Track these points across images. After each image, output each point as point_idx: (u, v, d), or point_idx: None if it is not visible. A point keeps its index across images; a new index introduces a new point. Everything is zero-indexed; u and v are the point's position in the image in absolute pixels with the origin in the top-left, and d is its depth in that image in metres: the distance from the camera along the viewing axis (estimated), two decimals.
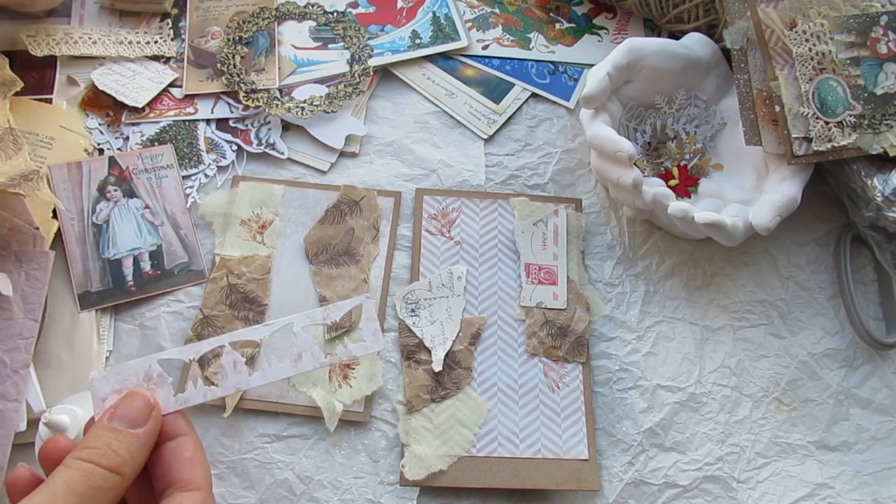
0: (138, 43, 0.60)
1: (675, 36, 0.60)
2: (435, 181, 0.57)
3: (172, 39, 0.61)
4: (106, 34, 0.60)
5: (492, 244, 0.55)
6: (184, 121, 0.58)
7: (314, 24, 0.63)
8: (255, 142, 0.57)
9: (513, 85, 0.62)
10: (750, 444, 0.51)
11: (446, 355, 0.50)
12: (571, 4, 0.67)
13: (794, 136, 0.50)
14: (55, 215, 0.52)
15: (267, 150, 0.57)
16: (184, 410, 0.33)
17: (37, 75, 0.58)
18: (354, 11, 0.64)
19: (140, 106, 0.57)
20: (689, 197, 0.56)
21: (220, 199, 0.55)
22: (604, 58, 0.54)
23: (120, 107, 0.57)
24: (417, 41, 0.63)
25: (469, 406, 0.49)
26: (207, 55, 0.60)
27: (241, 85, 0.58)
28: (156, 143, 0.56)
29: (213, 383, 0.34)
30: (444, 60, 0.63)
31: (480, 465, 0.48)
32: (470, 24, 0.65)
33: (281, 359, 0.35)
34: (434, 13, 0.64)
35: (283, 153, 0.57)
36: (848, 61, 0.51)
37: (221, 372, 0.34)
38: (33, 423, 0.45)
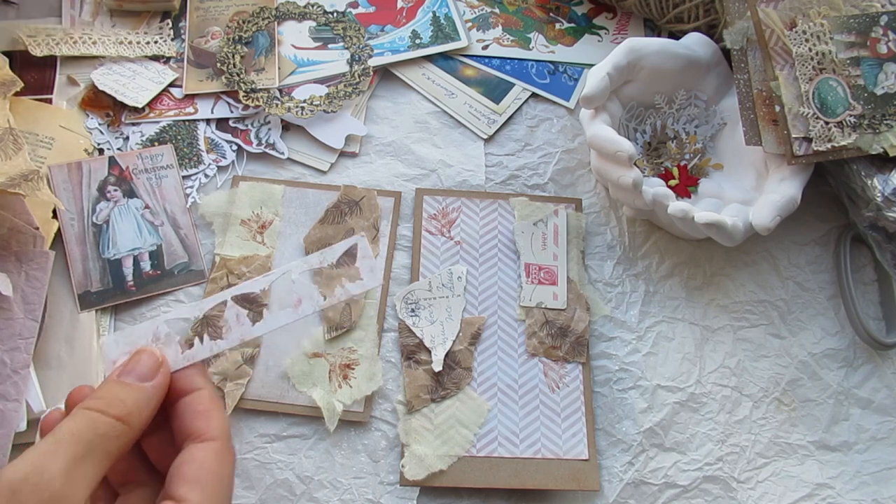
0: (138, 43, 0.60)
1: (675, 36, 0.60)
2: (435, 181, 0.57)
3: (172, 39, 0.61)
4: (106, 34, 0.60)
5: (492, 244, 0.55)
6: (184, 121, 0.58)
7: (314, 24, 0.63)
8: (255, 142, 0.57)
9: (513, 85, 0.62)
10: (750, 444, 0.51)
11: (446, 355, 0.50)
12: (571, 4, 0.67)
13: (794, 136, 0.50)
14: (55, 215, 0.52)
15: (267, 150, 0.57)
16: (201, 366, 0.34)
17: (37, 75, 0.58)
18: (354, 11, 0.64)
19: (140, 106, 0.57)
20: (689, 197, 0.56)
21: (220, 199, 0.55)
22: (604, 58, 0.54)
23: (120, 107, 0.57)
24: (417, 41, 0.63)
25: (469, 406, 0.49)
26: (207, 55, 0.60)
27: (241, 84, 0.58)
28: (156, 143, 0.56)
29: (218, 337, 0.34)
30: (444, 60, 0.63)
31: (480, 465, 0.48)
32: (470, 24, 0.65)
33: (282, 307, 0.35)
34: (434, 13, 0.64)
35: (283, 153, 0.57)
36: (848, 61, 0.51)
37: (225, 325, 0.34)
38: (33, 423, 0.45)
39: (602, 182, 0.57)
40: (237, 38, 0.61)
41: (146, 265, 0.52)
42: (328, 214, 0.55)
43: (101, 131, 0.57)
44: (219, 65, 0.59)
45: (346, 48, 0.62)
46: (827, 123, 0.50)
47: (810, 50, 0.51)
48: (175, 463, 0.29)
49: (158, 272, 0.52)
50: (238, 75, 0.59)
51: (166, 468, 0.30)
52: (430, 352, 0.50)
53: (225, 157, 0.57)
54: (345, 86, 0.59)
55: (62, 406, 0.41)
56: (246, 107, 0.58)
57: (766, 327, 0.55)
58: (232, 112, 0.58)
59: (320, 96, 0.59)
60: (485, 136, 0.59)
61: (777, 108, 0.51)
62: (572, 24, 0.66)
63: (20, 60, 0.58)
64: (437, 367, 0.50)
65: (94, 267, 0.51)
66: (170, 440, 0.32)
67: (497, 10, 0.66)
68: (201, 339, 0.34)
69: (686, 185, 0.57)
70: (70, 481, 0.26)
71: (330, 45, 0.62)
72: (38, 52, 0.58)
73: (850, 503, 0.50)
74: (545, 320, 0.52)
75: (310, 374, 0.49)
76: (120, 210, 0.53)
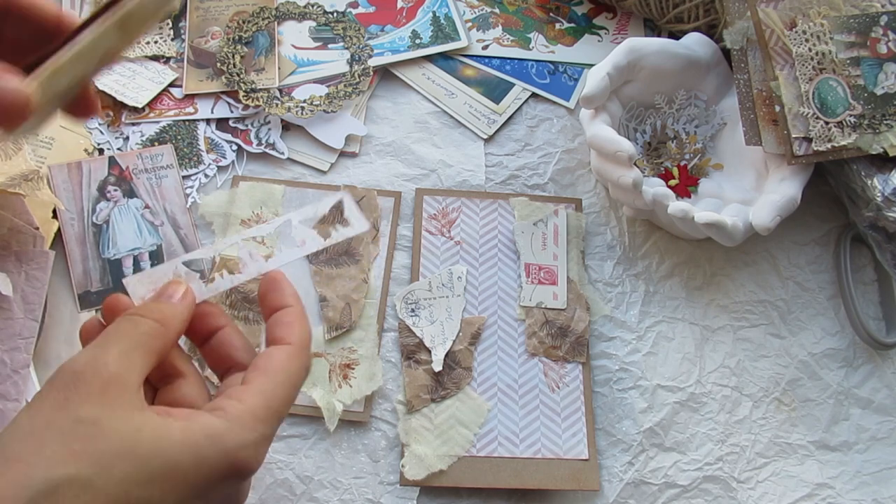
0: (138, 43, 0.60)
1: (675, 36, 0.60)
2: (435, 181, 0.57)
3: (172, 39, 0.61)
4: None
5: (492, 244, 0.55)
6: (184, 121, 0.58)
7: (314, 23, 0.63)
8: (255, 142, 0.57)
9: (513, 85, 0.62)
10: (750, 444, 0.51)
11: (446, 355, 0.50)
12: (571, 4, 0.67)
13: (794, 136, 0.50)
14: (55, 215, 0.52)
15: (267, 150, 0.57)
16: (220, 307, 0.37)
17: None
18: (354, 11, 0.64)
19: (140, 106, 0.57)
20: (689, 197, 0.56)
21: (220, 199, 0.55)
22: (604, 58, 0.54)
23: (120, 107, 0.57)
24: (417, 41, 0.63)
25: (469, 406, 0.49)
26: (207, 55, 0.60)
27: (241, 84, 0.58)
28: (156, 143, 0.56)
29: (237, 271, 0.37)
30: (444, 60, 0.63)
31: (480, 465, 0.48)
32: (470, 24, 0.65)
33: (289, 247, 0.39)
34: (434, 13, 0.64)
35: (283, 153, 0.57)
36: (848, 61, 0.51)
37: (241, 262, 0.38)
38: None
39: (602, 182, 0.57)
40: (237, 38, 0.61)
41: (146, 265, 0.52)
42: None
43: (101, 131, 0.57)
44: (219, 65, 0.59)
45: (346, 48, 0.62)
46: (827, 123, 0.50)
47: (810, 50, 0.51)
48: (254, 360, 0.33)
49: None
50: (238, 75, 0.59)
51: (220, 371, 0.35)
52: (430, 352, 0.50)
53: (225, 157, 0.57)
54: (345, 86, 0.59)
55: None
56: (246, 107, 0.58)
57: (766, 327, 0.55)
58: (232, 112, 0.58)
59: (320, 96, 0.59)
60: (485, 136, 0.59)
61: (777, 108, 0.51)
62: (572, 24, 0.66)
63: None
64: (437, 367, 0.50)
65: (94, 267, 0.51)
66: (221, 351, 0.36)
67: (497, 10, 0.66)
68: (221, 275, 0.37)
69: (686, 185, 0.57)
70: (123, 367, 0.29)
71: (330, 45, 0.62)
72: None
73: (850, 503, 0.50)
74: (545, 320, 0.52)
75: (310, 374, 0.49)
76: (120, 210, 0.53)
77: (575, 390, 0.50)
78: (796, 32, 0.51)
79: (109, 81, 0.58)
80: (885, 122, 0.51)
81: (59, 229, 0.52)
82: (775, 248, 0.57)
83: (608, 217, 0.57)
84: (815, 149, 0.50)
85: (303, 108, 0.58)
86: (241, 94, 0.58)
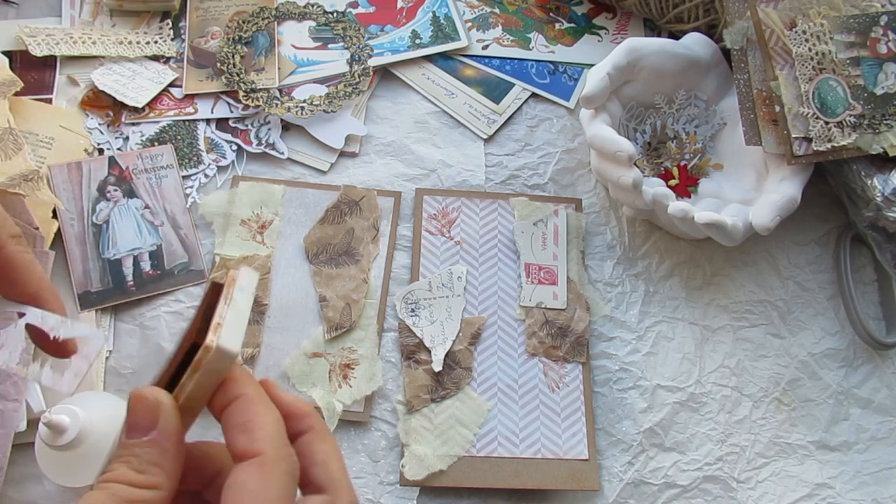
0: (138, 43, 0.60)
1: (675, 36, 0.60)
2: (435, 181, 0.57)
3: (172, 39, 0.61)
4: (106, 34, 0.60)
5: (492, 244, 0.55)
6: (184, 121, 0.58)
7: (314, 24, 0.63)
8: (254, 142, 0.57)
9: (513, 85, 0.62)
10: (750, 444, 0.51)
11: (446, 355, 0.50)
12: (571, 4, 0.67)
13: (794, 136, 0.50)
14: (55, 215, 0.52)
15: (267, 150, 0.57)
16: (242, 368, 0.30)
17: (37, 75, 0.58)
18: (354, 11, 0.64)
19: (140, 106, 0.57)
20: (689, 197, 0.56)
21: (220, 199, 0.55)
22: (604, 58, 0.54)
23: (120, 107, 0.57)
24: (417, 41, 0.63)
25: (469, 406, 0.49)
26: (207, 55, 0.60)
27: (241, 84, 0.58)
28: (156, 143, 0.56)
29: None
30: (444, 60, 0.63)
31: (480, 465, 0.48)
32: (470, 24, 0.65)
33: None
34: (434, 13, 0.64)
35: (282, 153, 0.57)
36: (848, 61, 0.51)
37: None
38: (33, 423, 0.45)
39: (602, 182, 0.57)
40: (237, 38, 0.61)
41: (146, 265, 0.52)
42: (328, 214, 0.55)
43: (101, 131, 0.57)
44: (219, 65, 0.59)
45: (346, 48, 0.62)
46: (827, 123, 0.50)
47: (810, 50, 0.51)
48: (223, 491, 0.25)
49: (158, 272, 0.52)
50: (238, 75, 0.59)
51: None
52: (430, 352, 0.50)
53: (225, 157, 0.57)
54: (345, 86, 0.59)
55: (61, 406, 0.40)
56: (246, 107, 0.58)
57: (766, 327, 0.55)
58: (232, 112, 0.58)
59: (320, 96, 0.59)
60: (485, 136, 0.59)
61: (777, 108, 0.51)
62: (572, 24, 0.66)
63: (20, 60, 0.58)
64: (437, 367, 0.50)
65: (94, 267, 0.51)
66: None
67: (497, 10, 0.66)
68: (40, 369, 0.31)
69: (686, 185, 0.57)
70: None
71: (330, 45, 0.62)
72: (38, 52, 0.58)
73: (850, 503, 0.50)
74: (545, 320, 0.52)
75: (310, 374, 0.49)
76: (120, 210, 0.53)
77: (575, 390, 0.50)
78: (796, 32, 0.51)
79: (109, 81, 0.58)
80: (884, 122, 0.51)
81: (58, 229, 0.52)
82: (775, 248, 0.57)
83: (608, 217, 0.57)
84: (815, 149, 0.50)
85: (303, 108, 0.58)
86: (241, 94, 0.58)
